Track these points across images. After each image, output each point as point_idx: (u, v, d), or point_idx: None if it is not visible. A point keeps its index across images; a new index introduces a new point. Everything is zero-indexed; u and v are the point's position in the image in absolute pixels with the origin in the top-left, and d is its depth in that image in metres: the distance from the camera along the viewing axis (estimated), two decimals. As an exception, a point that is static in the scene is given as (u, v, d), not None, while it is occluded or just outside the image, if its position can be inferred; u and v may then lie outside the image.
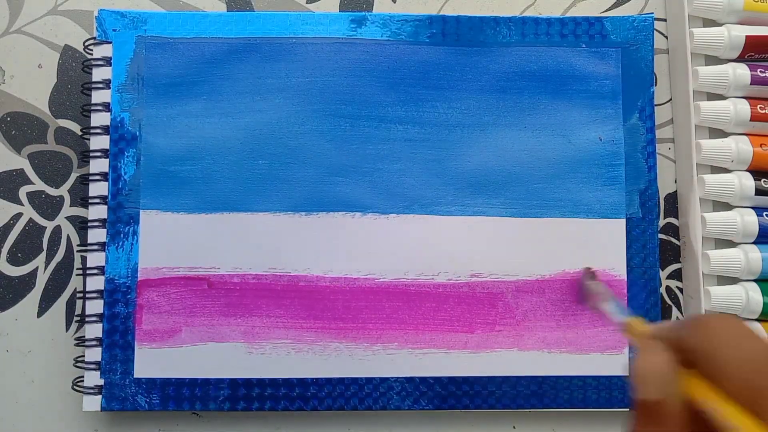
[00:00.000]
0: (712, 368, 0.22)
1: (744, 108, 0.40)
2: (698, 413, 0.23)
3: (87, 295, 0.39)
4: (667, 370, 0.23)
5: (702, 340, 0.23)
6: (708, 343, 0.23)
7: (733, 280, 0.40)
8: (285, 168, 0.40)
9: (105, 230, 0.40)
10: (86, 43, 0.41)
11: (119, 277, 0.39)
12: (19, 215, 0.41)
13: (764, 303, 0.39)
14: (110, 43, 0.40)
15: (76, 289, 0.41)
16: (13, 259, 0.41)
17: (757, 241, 0.40)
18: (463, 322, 0.39)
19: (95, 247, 0.40)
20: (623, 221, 0.40)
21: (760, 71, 0.40)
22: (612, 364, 0.39)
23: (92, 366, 0.39)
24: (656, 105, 0.41)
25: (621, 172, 0.40)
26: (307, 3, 0.43)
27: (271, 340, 0.39)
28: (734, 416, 0.21)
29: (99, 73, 0.40)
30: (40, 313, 0.41)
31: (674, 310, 0.41)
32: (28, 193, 0.42)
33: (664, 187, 0.42)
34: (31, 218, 0.41)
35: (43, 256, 0.41)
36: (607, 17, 0.41)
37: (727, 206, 0.41)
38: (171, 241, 0.40)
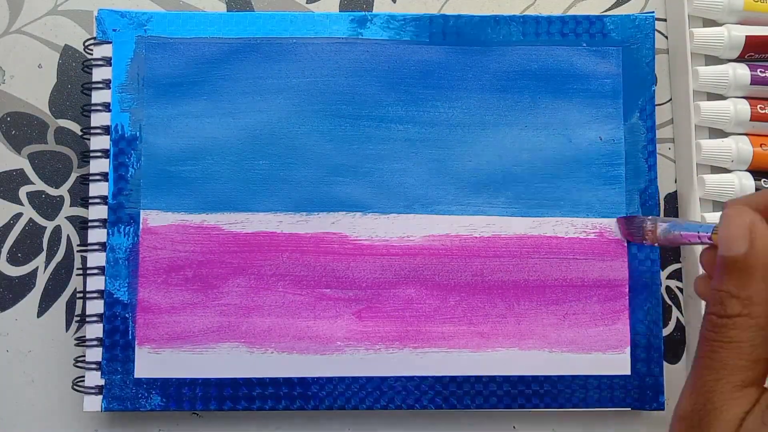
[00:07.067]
0: None
1: (744, 108, 0.40)
2: None
3: (87, 295, 0.39)
4: (755, 224, 0.25)
5: None
6: None
7: (734, 280, 0.40)
8: (286, 168, 0.40)
9: (105, 230, 0.40)
10: (86, 43, 0.41)
11: (120, 278, 0.39)
12: (19, 215, 0.41)
13: (764, 302, 0.39)
14: (110, 43, 0.40)
15: (76, 289, 0.41)
16: (13, 259, 0.41)
17: (757, 241, 0.40)
18: (463, 322, 0.39)
19: (95, 247, 0.40)
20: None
21: (760, 71, 0.40)
22: (613, 363, 0.39)
23: (93, 366, 0.39)
24: (656, 105, 0.41)
25: (621, 172, 0.40)
26: (307, 3, 0.43)
27: (271, 339, 0.39)
28: None
29: (99, 73, 0.40)
30: (40, 313, 0.41)
31: (674, 310, 0.42)
32: (28, 193, 0.42)
33: (664, 187, 0.42)
34: (31, 218, 0.41)
35: (43, 256, 0.41)
36: (607, 16, 0.41)
37: (727, 206, 0.41)
38: (171, 241, 0.40)
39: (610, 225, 0.40)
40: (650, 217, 0.38)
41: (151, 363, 0.39)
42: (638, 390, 0.39)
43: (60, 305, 0.41)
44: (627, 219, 0.39)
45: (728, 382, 0.25)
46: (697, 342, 0.27)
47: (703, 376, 0.26)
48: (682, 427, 0.26)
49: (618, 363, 0.39)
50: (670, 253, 0.42)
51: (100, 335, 0.39)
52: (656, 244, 0.37)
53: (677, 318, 0.42)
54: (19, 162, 0.42)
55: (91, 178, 0.40)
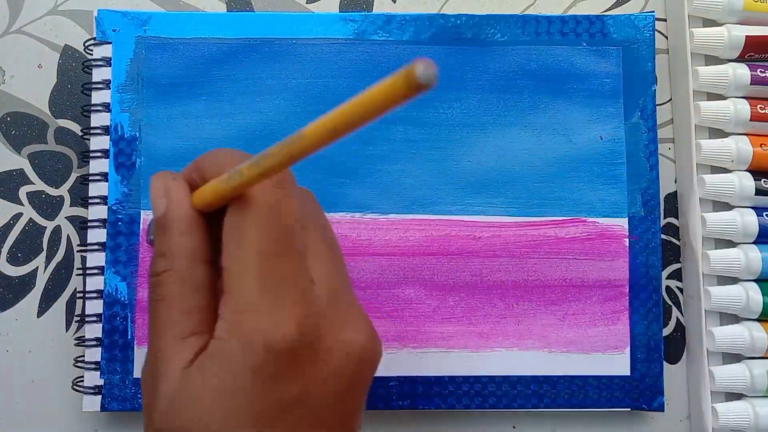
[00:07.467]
0: (211, 171, 0.27)
1: (744, 108, 0.40)
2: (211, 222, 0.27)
3: (87, 295, 0.39)
4: (169, 184, 0.27)
5: (206, 155, 0.28)
6: (209, 155, 0.27)
7: (733, 280, 0.40)
8: (285, 168, 0.40)
9: (105, 230, 0.40)
10: (86, 43, 0.41)
11: (119, 278, 0.39)
12: (19, 215, 0.41)
13: (764, 303, 0.39)
14: (110, 43, 0.40)
15: (76, 289, 0.41)
16: (13, 259, 0.41)
17: (757, 241, 0.40)
18: (463, 322, 0.39)
19: (95, 247, 0.40)
20: (626, 220, 0.40)
21: (760, 71, 0.40)
22: (613, 364, 0.39)
23: (92, 366, 0.39)
24: (656, 105, 0.41)
25: (623, 171, 0.40)
26: (307, 3, 0.43)
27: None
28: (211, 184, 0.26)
29: (99, 74, 0.40)
30: (40, 313, 0.41)
31: (674, 310, 0.41)
32: (28, 193, 0.42)
33: (664, 187, 0.42)
34: (31, 218, 0.41)
35: (43, 256, 0.41)
36: (607, 15, 0.41)
37: (727, 206, 0.41)
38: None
39: (611, 225, 0.40)
40: None
41: (150, 363, 0.39)
42: (638, 390, 0.39)
43: (60, 305, 0.41)
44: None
45: (168, 337, 0.25)
46: None
47: (150, 338, 0.26)
48: (144, 393, 0.26)
49: (618, 363, 0.39)
50: (670, 253, 0.42)
51: (100, 335, 0.39)
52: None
53: (677, 318, 0.41)
54: (19, 162, 0.42)
55: (91, 178, 0.40)
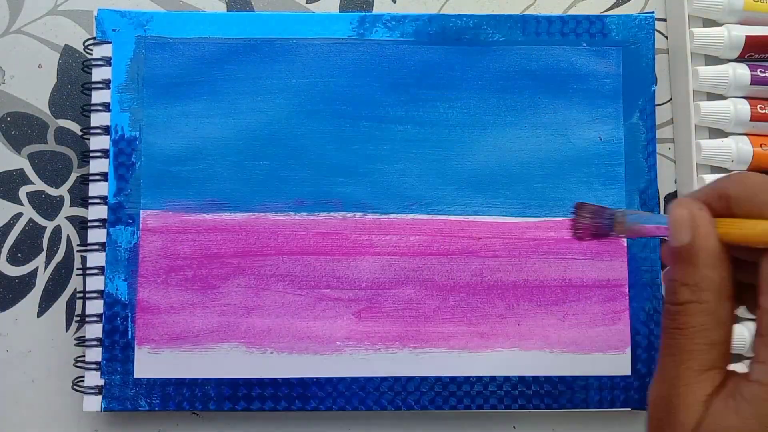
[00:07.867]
0: (743, 205, 0.26)
1: (744, 108, 0.40)
2: (735, 259, 0.26)
3: (87, 295, 0.39)
4: (696, 214, 0.26)
5: (735, 183, 0.26)
6: (740, 185, 0.26)
7: (734, 280, 0.40)
8: (285, 169, 0.40)
9: (105, 230, 0.40)
10: (86, 43, 0.41)
11: (119, 278, 0.39)
12: (19, 215, 0.41)
13: (764, 303, 0.39)
14: (110, 43, 0.40)
15: (76, 289, 0.41)
16: (13, 259, 0.41)
17: (758, 241, 0.40)
18: (463, 322, 0.39)
19: (95, 247, 0.40)
20: (624, 220, 0.40)
21: (760, 71, 0.40)
22: (614, 364, 0.39)
23: (92, 366, 0.39)
24: (656, 105, 0.41)
25: (621, 172, 0.40)
26: (307, 3, 0.43)
27: (271, 339, 0.39)
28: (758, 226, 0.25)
29: (99, 73, 0.40)
30: (40, 313, 0.41)
31: (674, 310, 0.41)
32: (28, 193, 0.42)
33: (664, 187, 0.42)
34: (31, 218, 0.41)
35: (43, 256, 0.41)
36: (607, 16, 0.41)
37: (727, 206, 0.41)
38: (171, 241, 0.40)
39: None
40: (619, 210, 0.35)
41: (150, 363, 0.39)
42: (639, 390, 0.39)
43: (60, 305, 0.41)
44: (594, 210, 0.34)
45: (688, 367, 0.26)
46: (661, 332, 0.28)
47: (666, 363, 0.26)
48: (653, 417, 0.27)
49: (618, 363, 0.39)
50: (670, 253, 0.42)
51: (100, 335, 0.39)
52: (622, 236, 0.36)
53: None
54: (19, 162, 0.42)
55: (91, 178, 0.40)
